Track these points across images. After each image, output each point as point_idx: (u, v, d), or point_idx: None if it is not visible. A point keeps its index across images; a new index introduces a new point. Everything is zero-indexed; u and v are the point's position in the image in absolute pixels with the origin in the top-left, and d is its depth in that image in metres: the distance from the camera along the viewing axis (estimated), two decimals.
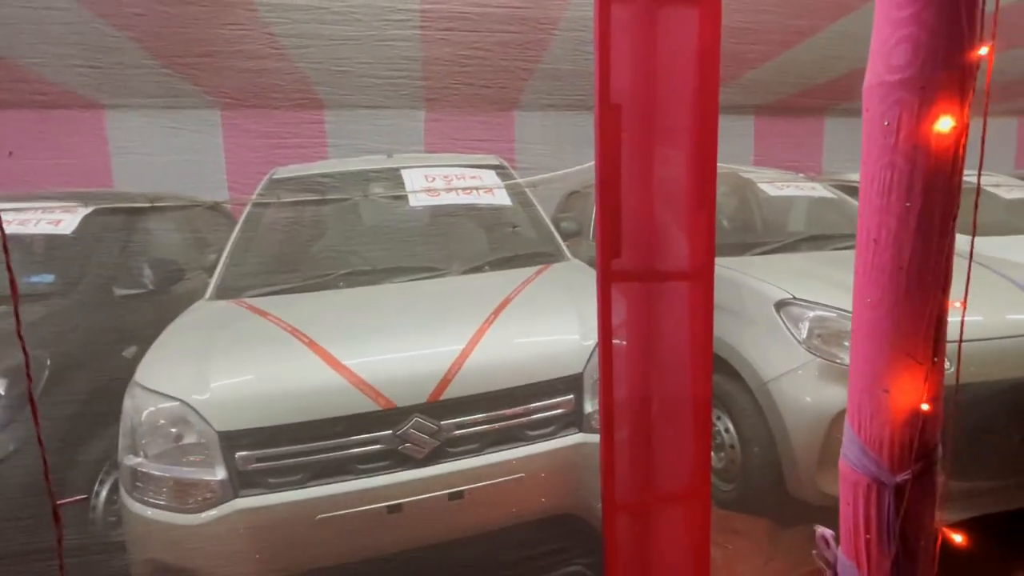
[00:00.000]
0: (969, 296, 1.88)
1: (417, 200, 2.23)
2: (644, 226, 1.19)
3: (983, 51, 0.55)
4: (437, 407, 1.33)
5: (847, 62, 3.99)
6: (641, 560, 1.26)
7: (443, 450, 1.33)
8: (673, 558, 1.28)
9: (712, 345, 1.21)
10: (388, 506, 1.27)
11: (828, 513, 1.75)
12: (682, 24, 1.14)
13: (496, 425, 1.37)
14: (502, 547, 1.37)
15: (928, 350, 0.52)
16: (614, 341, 1.16)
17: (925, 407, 0.52)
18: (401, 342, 1.44)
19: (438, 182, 2.38)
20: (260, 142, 4.81)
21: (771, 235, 2.63)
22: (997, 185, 3.29)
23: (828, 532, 0.61)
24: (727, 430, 2.03)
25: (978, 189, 0.75)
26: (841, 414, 1.63)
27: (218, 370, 1.35)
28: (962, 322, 0.72)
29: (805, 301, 1.81)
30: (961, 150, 0.51)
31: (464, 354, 1.39)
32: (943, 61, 0.49)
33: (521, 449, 1.37)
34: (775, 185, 2.75)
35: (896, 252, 0.53)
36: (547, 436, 1.41)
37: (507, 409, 1.38)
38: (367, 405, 1.29)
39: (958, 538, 0.68)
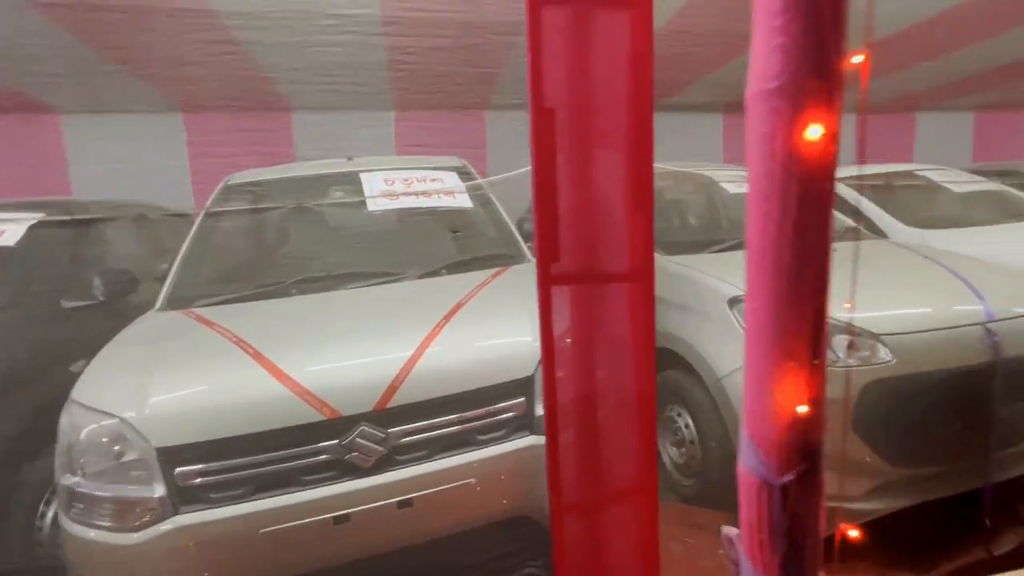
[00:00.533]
0: (915, 289, 1.94)
1: (375, 205, 2.21)
2: (582, 229, 1.20)
3: (857, 60, 0.56)
4: (384, 415, 1.32)
5: None
6: (591, 559, 1.27)
7: (391, 458, 1.32)
8: (622, 555, 1.29)
9: (654, 344, 1.22)
10: (335, 517, 1.25)
11: None
12: (614, 28, 1.15)
13: (445, 431, 1.37)
14: (454, 553, 1.37)
15: (807, 352, 0.53)
16: (556, 343, 1.16)
17: (802, 409, 0.53)
18: (349, 350, 1.42)
19: (397, 185, 2.36)
20: (225, 146, 4.72)
21: (732, 233, 2.67)
22: (952, 181, 3.38)
23: (733, 531, 0.62)
24: (687, 426, 2.06)
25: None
26: None
27: (158, 384, 1.31)
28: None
29: None
30: (831, 157, 0.52)
31: (412, 360, 1.38)
32: (812, 70, 0.50)
33: (471, 454, 1.37)
34: (736, 183, 2.79)
35: (776, 257, 0.54)
36: (498, 440, 1.41)
37: (456, 414, 1.38)
38: (312, 415, 1.27)
39: (853, 533, 0.70)
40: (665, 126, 5.71)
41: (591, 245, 1.20)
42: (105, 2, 2.88)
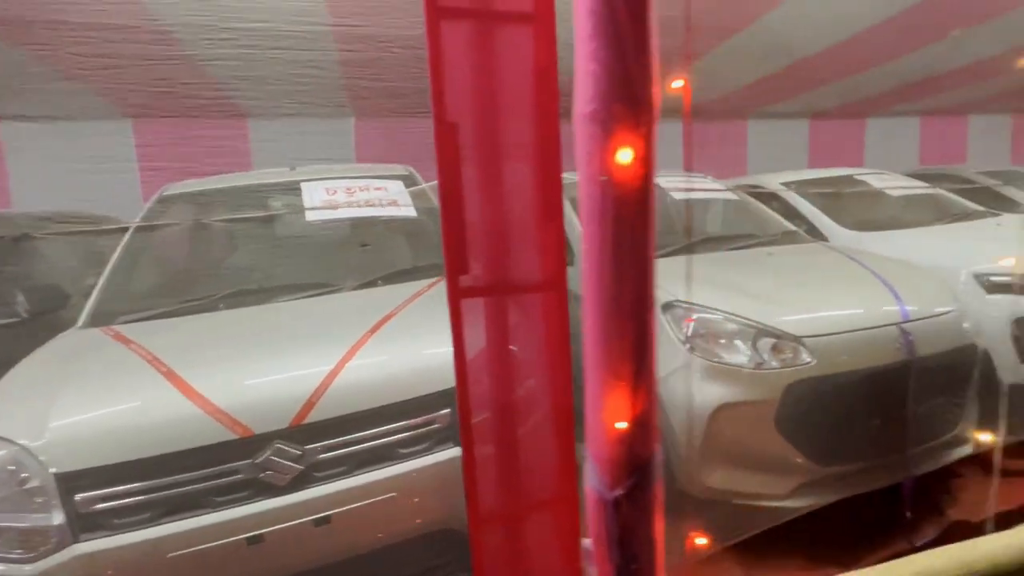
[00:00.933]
0: (839, 291, 2.01)
1: (315, 215, 2.18)
2: (491, 241, 1.20)
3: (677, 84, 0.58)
4: (300, 431, 1.30)
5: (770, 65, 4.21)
6: (511, 571, 1.27)
7: (308, 475, 1.30)
8: (543, 564, 1.30)
9: (570, 354, 1.23)
10: (248, 537, 1.22)
11: (716, 507, 1.82)
12: (516, 41, 1.16)
13: (366, 445, 1.35)
14: (377, 569, 1.35)
15: (630, 369, 0.54)
16: (468, 356, 1.16)
17: (622, 425, 0.54)
18: (266, 366, 1.40)
19: (339, 195, 2.33)
20: (178, 152, 4.60)
21: (674, 238, 2.73)
22: (891, 185, 3.52)
23: (589, 544, 0.63)
24: None
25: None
26: (719, 410, 1.72)
27: (61, 407, 1.27)
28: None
29: (688, 303, 1.89)
30: (642, 180, 0.54)
31: (332, 374, 1.36)
32: (621, 96, 0.52)
33: (393, 468, 1.36)
34: (679, 188, 2.85)
35: (599, 277, 0.55)
36: (422, 452, 1.40)
37: (378, 428, 1.37)
38: (222, 434, 1.25)
39: (701, 541, 0.72)
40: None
41: (500, 257, 1.20)
42: (41, 17, 2.79)
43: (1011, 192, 3.93)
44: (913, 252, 2.57)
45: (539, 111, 1.18)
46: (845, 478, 1.76)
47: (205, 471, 1.24)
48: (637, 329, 0.54)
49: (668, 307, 1.91)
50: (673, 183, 2.89)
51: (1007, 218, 3.17)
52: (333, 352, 1.42)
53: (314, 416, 1.31)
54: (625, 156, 0.51)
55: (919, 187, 3.51)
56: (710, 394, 1.73)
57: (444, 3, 1.00)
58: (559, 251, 1.25)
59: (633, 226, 0.52)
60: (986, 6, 3.61)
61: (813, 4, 3.24)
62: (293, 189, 2.26)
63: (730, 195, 2.98)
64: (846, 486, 1.76)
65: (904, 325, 1.81)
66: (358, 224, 2.33)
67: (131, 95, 3.95)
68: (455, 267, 1.18)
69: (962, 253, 2.56)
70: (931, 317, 1.88)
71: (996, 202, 3.90)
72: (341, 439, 1.34)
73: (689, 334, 1.83)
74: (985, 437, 1.92)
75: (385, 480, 1.34)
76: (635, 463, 0.55)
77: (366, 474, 1.34)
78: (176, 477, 1.22)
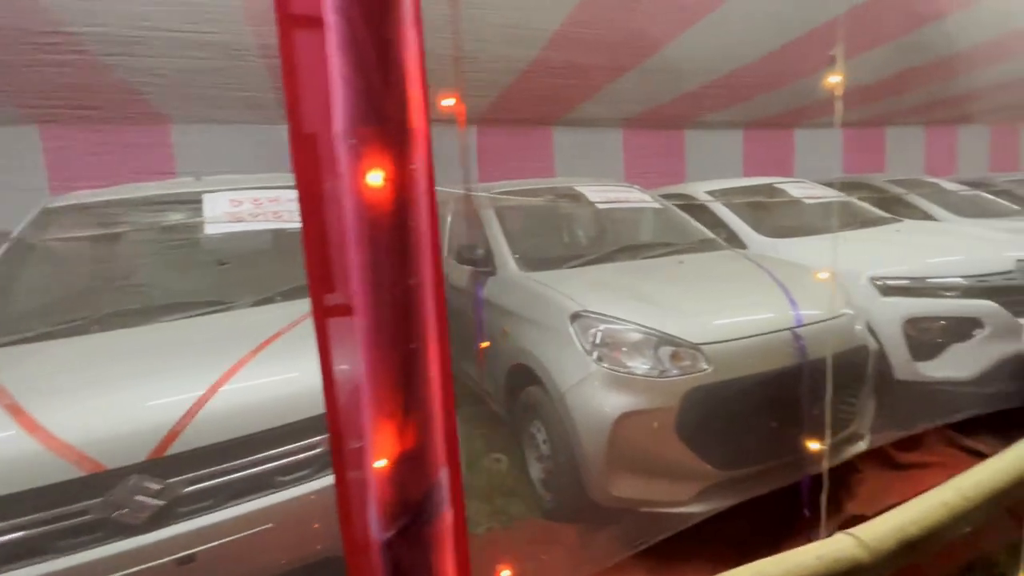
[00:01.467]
0: (741, 298, 2.08)
1: (215, 228, 2.07)
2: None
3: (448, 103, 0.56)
4: (161, 464, 1.21)
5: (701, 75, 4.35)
6: None
7: (170, 511, 1.21)
8: None
9: (451, 372, 1.19)
10: None
11: (627, 516, 1.83)
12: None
13: (240, 475, 1.27)
14: None
15: (397, 403, 0.51)
16: (338, 379, 1.11)
17: (388, 462, 0.51)
18: (129, 393, 1.29)
19: (246, 206, 2.23)
20: (93, 159, 4.31)
21: (592, 247, 2.77)
22: (807, 194, 3.69)
23: None
24: (545, 441, 2.07)
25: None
26: (622, 418, 1.73)
27: None
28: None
29: (595, 313, 1.90)
30: (396, 204, 0.51)
31: (202, 401, 1.28)
32: (368, 116, 0.49)
33: (271, 497, 1.28)
34: (604, 198, 2.90)
35: (363, 303, 0.52)
36: (302, 479, 1.33)
37: (253, 456, 1.29)
38: (67, 471, 1.14)
39: (505, 574, 0.70)
40: (572, 143, 5.83)
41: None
42: None
43: (914, 199, 4.22)
44: (820, 258, 2.70)
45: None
46: (746, 480, 1.81)
47: (47, 514, 1.13)
48: (402, 360, 0.51)
49: (575, 317, 1.92)
50: (599, 194, 2.93)
51: (907, 224, 3.40)
52: (207, 376, 1.34)
53: (178, 446, 1.22)
54: (375, 179, 0.49)
55: (832, 195, 3.71)
56: (613, 403, 1.74)
57: (296, 10, 0.95)
58: (436, 256, 1.22)
59: (390, 251, 0.49)
60: (890, 27, 3.86)
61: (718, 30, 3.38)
62: (191, 201, 2.14)
63: (653, 204, 3.05)
64: (747, 488, 1.80)
65: (797, 330, 1.88)
66: (267, 235, 2.23)
67: (33, 98, 3.68)
68: (319, 285, 1.13)
69: (862, 258, 2.71)
70: (824, 321, 1.97)
71: (906, 209, 4.18)
72: (209, 470, 1.25)
73: (594, 345, 1.84)
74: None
75: (261, 511, 1.27)
76: (408, 502, 0.52)
77: (239, 506, 1.26)
78: (12, 522, 1.11)
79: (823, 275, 2.33)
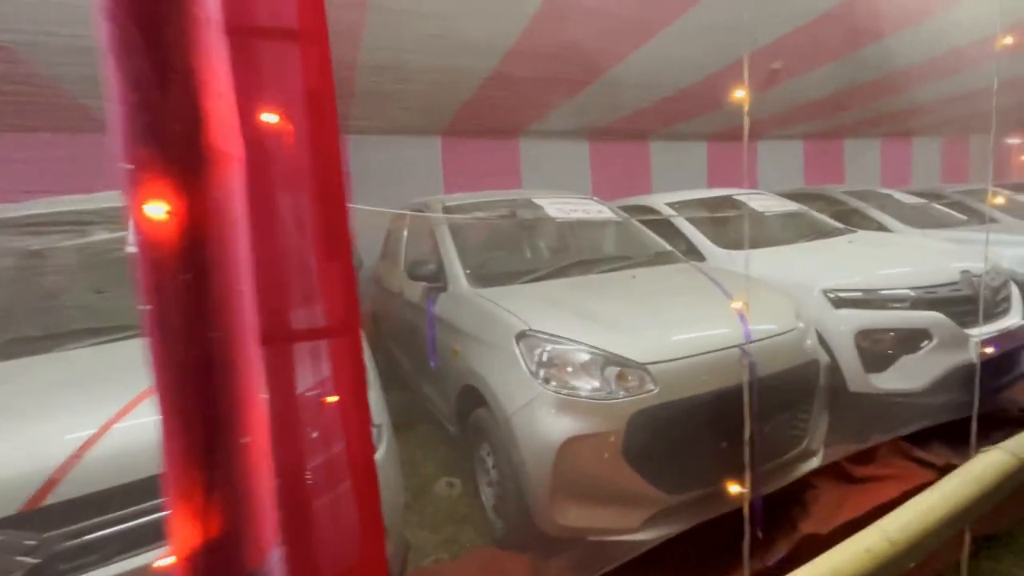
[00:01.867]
0: (689, 313, 2.04)
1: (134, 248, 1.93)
2: (270, 283, 1.06)
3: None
4: (36, 516, 1.07)
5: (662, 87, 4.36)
6: None
7: (48, 569, 1.07)
8: None
9: (367, 404, 1.09)
10: None
11: (577, 545, 1.75)
12: (285, 63, 1.03)
13: (134, 523, 1.14)
14: None
15: (199, 481, 0.42)
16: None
17: (166, 561, 0.41)
18: (1, 436, 1.15)
19: None
20: (23, 169, 4.06)
21: (546, 262, 2.70)
22: (765, 206, 3.72)
23: None
24: (494, 466, 1.98)
25: None
26: (567, 443, 1.65)
27: None
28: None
29: (541, 333, 1.83)
30: (186, 241, 0.42)
31: (90, 442, 1.15)
32: (148, 139, 0.40)
33: (165, 550, 1.15)
34: (561, 211, 2.85)
35: (157, 355, 0.42)
36: None
37: (152, 501, 1.16)
38: None
39: None
40: (540, 154, 5.80)
41: (284, 303, 1.06)
42: None
43: (869, 210, 4.31)
44: (774, 269, 2.70)
45: (319, 137, 1.06)
46: (696, 503, 1.75)
47: None
48: (204, 428, 0.42)
49: (521, 336, 1.84)
50: (556, 207, 2.88)
51: (860, 235, 3.44)
52: (101, 412, 1.21)
53: (57, 496, 1.09)
54: (156, 211, 0.40)
55: (788, 206, 3.75)
56: (559, 428, 1.66)
57: (204, 18, 0.85)
58: (349, 291, 1.12)
59: (177, 297, 0.40)
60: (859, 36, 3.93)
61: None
62: (119, 217, 1.99)
63: (612, 216, 3.01)
64: (698, 512, 1.74)
65: (746, 346, 1.84)
66: None
67: None
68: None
69: (815, 269, 2.72)
70: (773, 337, 1.93)
71: (861, 220, 4.27)
72: (97, 520, 1.12)
73: (539, 365, 1.76)
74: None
75: (157, 566, 1.14)
76: None
77: (133, 558, 1.13)
78: None
79: (776, 289, 2.31)
